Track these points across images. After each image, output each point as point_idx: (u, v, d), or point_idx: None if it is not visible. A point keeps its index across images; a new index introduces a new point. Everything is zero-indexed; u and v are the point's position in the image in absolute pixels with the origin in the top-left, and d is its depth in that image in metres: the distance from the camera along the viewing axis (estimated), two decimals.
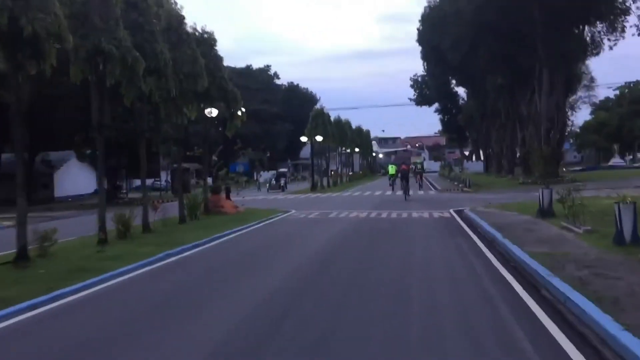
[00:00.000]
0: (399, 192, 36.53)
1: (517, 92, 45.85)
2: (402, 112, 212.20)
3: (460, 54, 41.65)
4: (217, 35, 22.26)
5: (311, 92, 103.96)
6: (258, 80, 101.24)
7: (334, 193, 40.86)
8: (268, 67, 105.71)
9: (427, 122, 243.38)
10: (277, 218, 21.29)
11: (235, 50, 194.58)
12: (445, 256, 11.50)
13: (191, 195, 21.84)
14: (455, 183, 47.30)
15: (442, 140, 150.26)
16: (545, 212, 16.70)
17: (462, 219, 19.08)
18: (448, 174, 63.20)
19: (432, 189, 42.79)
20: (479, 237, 14.10)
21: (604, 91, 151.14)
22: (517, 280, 8.78)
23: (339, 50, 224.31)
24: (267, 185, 44.88)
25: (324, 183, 48.00)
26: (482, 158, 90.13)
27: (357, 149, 71.64)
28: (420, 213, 21.42)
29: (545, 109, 38.41)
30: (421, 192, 37.40)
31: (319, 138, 44.41)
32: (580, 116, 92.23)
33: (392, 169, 38.87)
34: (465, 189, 39.43)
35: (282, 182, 43.80)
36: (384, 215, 21.25)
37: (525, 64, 39.27)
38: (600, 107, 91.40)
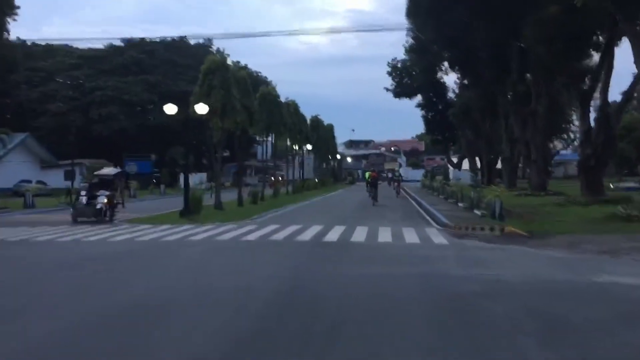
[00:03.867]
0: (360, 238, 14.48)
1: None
2: (376, 114, 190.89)
3: None
4: None
5: (262, 75, 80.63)
6: (193, 57, 78.01)
7: (220, 227, 18.66)
8: (209, 40, 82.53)
9: (404, 125, 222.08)
10: None
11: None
12: None
13: None
14: (463, 206, 25.40)
15: (421, 146, 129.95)
16: None
17: None
18: (440, 187, 41.12)
19: (432, 223, 20.62)
20: None
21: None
22: None
23: (314, 56, 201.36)
24: (72, 206, 21.55)
25: (221, 197, 25.47)
26: (478, 165, 68.83)
27: (309, 146, 49.40)
28: None
29: None
30: (414, 239, 15.12)
31: (201, 109, 22.03)
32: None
33: (368, 175, 36.72)
34: (508, 228, 17.32)
35: (100, 202, 20.60)
36: None
37: None
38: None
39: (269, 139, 41.32)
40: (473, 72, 51.62)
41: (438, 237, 15.47)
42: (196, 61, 76.04)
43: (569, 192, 33.19)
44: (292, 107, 40.71)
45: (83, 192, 21.08)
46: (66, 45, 74.87)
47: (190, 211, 21.54)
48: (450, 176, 71.14)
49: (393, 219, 21.81)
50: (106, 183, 21.39)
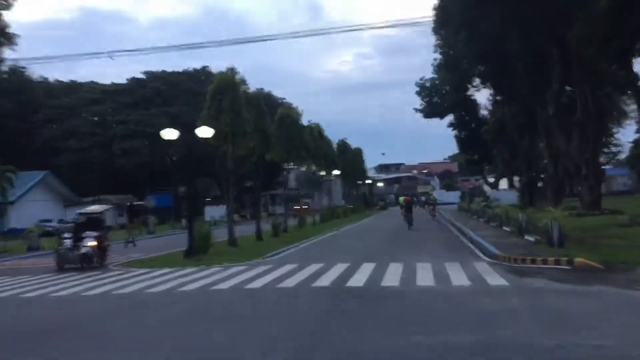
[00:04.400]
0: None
1: None
2: (406, 137, 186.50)
3: None
4: None
5: (284, 100, 77.66)
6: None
7: (228, 269, 15.72)
8: (232, 70, 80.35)
9: (435, 148, 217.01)
10: None
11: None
12: None
13: None
14: (510, 231, 21.94)
15: (454, 167, 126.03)
16: None
17: None
18: (480, 209, 37.68)
19: (479, 254, 17.19)
20: None
21: None
22: None
23: (343, 83, 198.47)
24: (57, 251, 17.96)
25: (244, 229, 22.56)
26: (517, 184, 64.74)
27: (336, 172, 46.45)
28: None
29: None
30: (462, 280, 11.68)
31: (204, 132, 19.38)
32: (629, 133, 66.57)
33: (402, 200, 36.59)
34: (579, 260, 13.84)
35: (85, 246, 17.69)
36: None
37: None
38: None
39: (294, 165, 38.67)
40: (508, 86, 48.14)
41: (493, 276, 12.18)
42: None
43: (626, 209, 29.46)
44: (316, 131, 37.88)
45: (67, 235, 18.27)
46: (91, 82, 73.84)
47: (196, 251, 18.63)
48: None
49: (432, 251, 18.59)
50: (94, 222, 18.58)
